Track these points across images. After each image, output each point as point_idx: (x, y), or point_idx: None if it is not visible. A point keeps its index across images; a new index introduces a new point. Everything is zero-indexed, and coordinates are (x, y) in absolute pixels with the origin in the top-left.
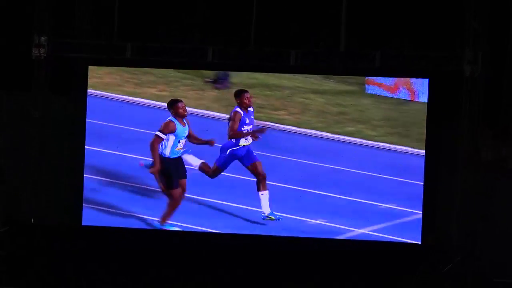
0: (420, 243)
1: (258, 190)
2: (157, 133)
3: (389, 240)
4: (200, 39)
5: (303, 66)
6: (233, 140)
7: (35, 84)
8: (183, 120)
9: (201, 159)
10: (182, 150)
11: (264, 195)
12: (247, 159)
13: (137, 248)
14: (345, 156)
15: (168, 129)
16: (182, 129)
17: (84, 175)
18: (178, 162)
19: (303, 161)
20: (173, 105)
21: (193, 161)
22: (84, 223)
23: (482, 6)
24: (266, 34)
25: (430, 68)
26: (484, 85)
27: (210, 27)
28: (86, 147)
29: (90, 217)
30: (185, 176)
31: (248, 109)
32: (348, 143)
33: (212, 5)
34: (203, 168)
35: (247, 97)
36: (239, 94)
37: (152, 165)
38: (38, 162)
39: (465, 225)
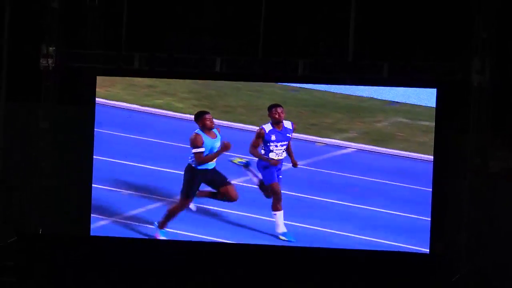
0: (428, 252)
1: (273, 210)
2: (194, 150)
3: (397, 250)
4: (208, 49)
5: (311, 76)
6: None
7: (43, 94)
8: (212, 132)
9: None
10: (213, 163)
11: (278, 215)
12: (268, 178)
13: (145, 259)
14: None
15: (198, 142)
16: (212, 141)
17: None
18: (207, 174)
19: None
20: (200, 117)
21: (254, 177)
22: (92, 233)
23: (490, 16)
24: (274, 44)
25: (438, 78)
26: (492, 94)
27: (218, 37)
28: (94, 156)
29: (99, 227)
30: (226, 183)
31: (281, 124)
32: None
33: (220, 15)
34: (260, 186)
35: (277, 112)
36: (270, 109)
37: (245, 163)
38: (47, 172)
39: (474, 235)
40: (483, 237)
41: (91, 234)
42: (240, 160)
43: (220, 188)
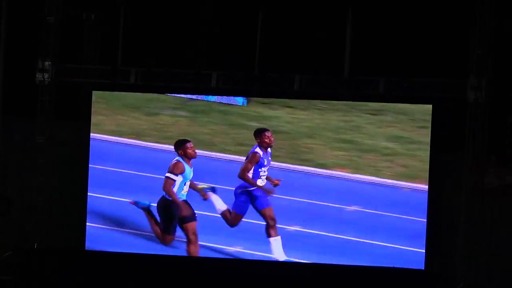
0: (423, 269)
1: (269, 236)
2: (168, 175)
3: (392, 266)
4: (204, 64)
5: (307, 91)
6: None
7: (39, 109)
8: (190, 162)
9: None
10: (191, 190)
11: (277, 241)
12: (261, 203)
13: (140, 273)
14: None
15: (178, 170)
16: (190, 171)
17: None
18: (184, 205)
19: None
20: (182, 145)
21: (218, 204)
22: (87, 247)
23: (486, 33)
24: (270, 59)
25: (434, 95)
26: (488, 111)
27: (214, 53)
28: (90, 169)
29: (94, 241)
30: (193, 219)
31: (268, 149)
32: None
33: (216, 31)
34: (225, 214)
35: (268, 136)
36: (260, 133)
37: (144, 205)
38: (42, 187)
39: (469, 252)
40: (478, 254)
41: (86, 248)
42: (205, 187)
43: (185, 224)
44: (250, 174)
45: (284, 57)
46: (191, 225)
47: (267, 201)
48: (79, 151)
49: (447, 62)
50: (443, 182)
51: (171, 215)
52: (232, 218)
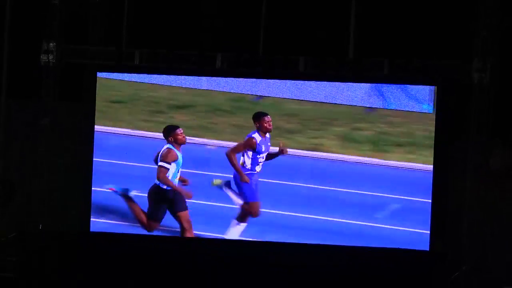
0: (428, 250)
1: (241, 220)
2: (161, 163)
3: (396, 247)
4: (208, 45)
5: (312, 73)
6: (248, 167)
7: (43, 90)
8: (180, 148)
9: None
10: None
11: (241, 227)
12: (253, 194)
13: (146, 255)
14: None
15: (171, 158)
16: (181, 158)
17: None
18: (175, 194)
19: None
20: (172, 132)
21: (235, 198)
22: (92, 229)
23: (491, 14)
24: (275, 40)
25: (438, 76)
26: (493, 93)
27: (219, 34)
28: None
29: (99, 223)
30: (184, 208)
31: (267, 134)
32: None
33: (221, 12)
34: (244, 207)
35: (268, 121)
36: (259, 117)
37: (124, 191)
38: (46, 169)
39: (474, 234)
40: (483, 235)
41: (91, 230)
42: (218, 183)
43: (178, 212)
44: (249, 161)
45: (288, 38)
46: (184, 214)
47: (257, 195)
48: (84, 133)
49: (452, 43)
50: (448, 163)
51: (162, 203)
52: (250, 208)
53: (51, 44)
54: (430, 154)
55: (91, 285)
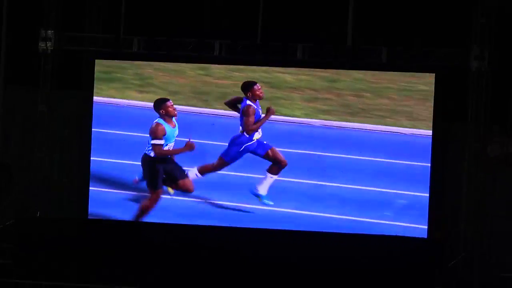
0: (426, 238)
1: (269, 171)
2: (153, 142)
3: (395, 235)
4: (207, 33)
5: (310, 60)
6: (247, 135)
7: (41, 77)
8: (172, 121)
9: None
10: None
11: (271, 179)
12: (261, 149)
13: (143, 241)
14: None
15: (160, 133)
16: (172, 131)
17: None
18: (166, 163)
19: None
20: (162, 104)
21: (192, 172)
22: (90, 216)
23: (490, 2)
24: (273, 28)
25: (436, 64)
26: (491, 80)
27: (217, 21)
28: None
29: (96, 210)
30: (184, 176)
31: (256, 101)
32: None
33: (219, 0)
34: (203, 170)
35: (259, 89)
36: (249, 86)
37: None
38: (45, 155)
39: (472, 222)
40: (481, 222)
41: (89, 217)
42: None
43: (179, 180)
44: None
45: (287, 26)
46: (184, 182)
47: (266, 145)
48: (81, 120)
49: (450, 31)
50: (446, 151)
51: (155, 169)
52: (217, 165)
53: (49, 31)
54: None
55: (89, 271)
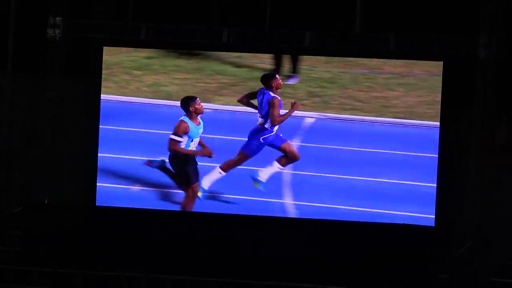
0: (433, 226)
1: (279, 161)
2: (172, 136)
3: (402, 223)
4: (215, 20)
5: (318, 47)
6: (268, 127)
7: (50, 64)
8: (197, 119)
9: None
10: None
11: (276, 169)
12: (278, 141)
13: (151, 229)
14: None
15: (181, 131)
16: (196, 129)
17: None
18: (193, 161)
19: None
20: (189, 102)
21: (216, 172)
22: (98, 203)
23: None
24: (281, 15)
25: (444, 52)
26: (499, 68)
27: (225, 9)
28: (100, 127)
29: (104, 197)
30: (197, 180)
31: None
32: None
33: None
34: (225, 167)
35: (280, 79)
36: (271, 78)
37: (158, 163)
38: (52, 143)
39: (478, 210)
40: (488, 210)
41: (97, 204)
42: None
43: (190, 185)
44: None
45: (294, 13)
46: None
47: (283, 138)
48: (89, 107)
49: (458, 19)
50: (453, 139)
51: (185, 167)
52: (238, 160)
53: (57, 18)
54: None
55: (96, 259)
